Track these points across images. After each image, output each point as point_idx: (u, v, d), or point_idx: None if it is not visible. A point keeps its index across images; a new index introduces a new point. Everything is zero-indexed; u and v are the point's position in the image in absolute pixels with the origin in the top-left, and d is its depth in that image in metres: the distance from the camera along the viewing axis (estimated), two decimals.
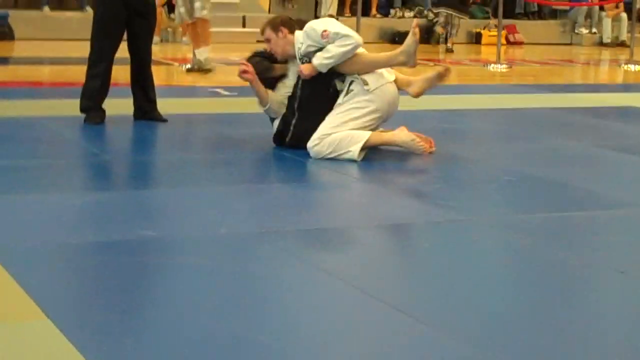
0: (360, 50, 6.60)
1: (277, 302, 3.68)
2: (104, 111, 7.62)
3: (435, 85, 6.77)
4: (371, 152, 6.58)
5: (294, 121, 6.61)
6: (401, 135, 6.60)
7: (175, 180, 5.89)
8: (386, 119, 6.70)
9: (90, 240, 4.36)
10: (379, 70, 6.64)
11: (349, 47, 6.46)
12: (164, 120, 7.70)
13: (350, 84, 6.54)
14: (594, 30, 19.61)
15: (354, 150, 6.38)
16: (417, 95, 6.79)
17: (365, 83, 6.50)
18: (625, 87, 12.77)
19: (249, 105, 7.47)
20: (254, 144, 6.91)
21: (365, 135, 6.43)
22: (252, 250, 4.32)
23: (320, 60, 6.47)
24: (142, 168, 6.33)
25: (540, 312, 3.67)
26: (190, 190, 5.50)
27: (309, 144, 6.43)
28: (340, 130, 6.43)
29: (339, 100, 6.54)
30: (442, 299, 3.75)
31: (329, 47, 6.46)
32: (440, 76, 6.72)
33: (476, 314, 3.60)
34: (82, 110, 7.62)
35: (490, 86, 11.64)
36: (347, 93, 6.53)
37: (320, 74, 6.52)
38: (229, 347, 3.17)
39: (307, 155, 6.44)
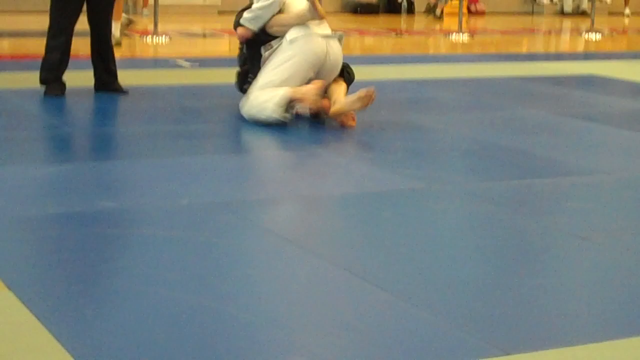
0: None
1: (241, 272, 3.66)
2: (64, 83, 7.55)
3: (356, 108, 6.64)
4: (331, 121, 6.57)
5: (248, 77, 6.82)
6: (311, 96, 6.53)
7: (136, 152, 5.85)
8: (320, 69, 6.67)
9: (51, 212, 4.32)
10: (307, 25, 6.70)
11: (266, 2, 6.64)
12: (125, 92, 7.65)
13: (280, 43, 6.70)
14: None
15: (272, 108, 6.43)
16: (332, 115, 6.70)
17: (285, 37, 6.66)
18: (587, 56, 12.82)
19: (211, 76, 7.43)
20: (215, 116, 6.88)
21: (281, 91, 6.47)
22: (215, 221, 4.29)
23: (244, 18, 6.71)
24: (103, 140, 6.27)
25: (503, 279, 3.68)
26: (151, 161, 5.46)
27: (240, 106, 6.54)
28: (265, 89, 6.52)
29: (263, 58, 6.71)
30: (404, 267, 3.75)
31: (253, 5, 6.71)
32: (361, 99, 6.61)
33: (438, 281, 3.60)
34: (41, 82, 7.54)
35: (451, 56, 11.64)
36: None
37: (259, 36, 6.69)
38: (193, 318, 3.16)
39: (270, 125, 6.42)
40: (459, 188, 5.05)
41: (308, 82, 6.60)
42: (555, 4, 19.53)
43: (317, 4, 6.70)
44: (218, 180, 5.10)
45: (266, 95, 6.50)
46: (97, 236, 4.03)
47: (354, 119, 6.63)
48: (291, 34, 6.66)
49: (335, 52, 6.75)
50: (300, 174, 5.45)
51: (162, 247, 3.90)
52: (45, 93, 7.47)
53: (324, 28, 6.80)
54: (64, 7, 7.50)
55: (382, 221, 4.46)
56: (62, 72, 7.55)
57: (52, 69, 7.53)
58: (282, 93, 6.46)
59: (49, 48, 7.58)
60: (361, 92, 6.50)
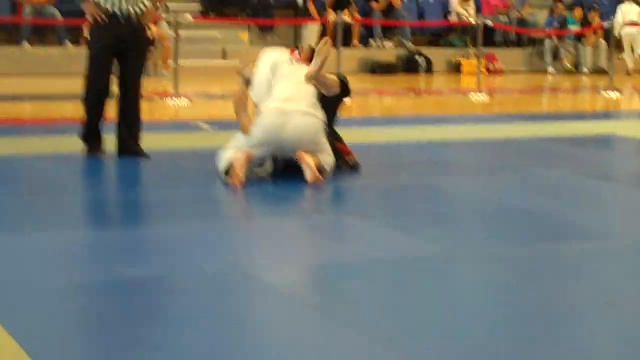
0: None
1: (264, 341, 3.67)
2: (104, 144, 7.73)
3: (322, 61, 6.88)
4: (351, 183, 6.61)
5: None
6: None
7: (158, 217, 5.90)
8: (278, 143, 6.77)
9: (75, 281, 4.35)
10: (276, 96, 6.95)
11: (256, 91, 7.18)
12: (147, 157, 7.71)
13: None
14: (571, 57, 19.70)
15: (219, 170, 6.79)
16: (310, 77, 6.94)
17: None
18: (606, 115, 12.85)
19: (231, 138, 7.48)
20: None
21: (228, 155, 6.79)
22: (237, 288, 4.31)
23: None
24: (126, 206, 6.31)
25: (525, 347, 3.67)
26: (173, 227, 5.49)
27: None
28: (228, 149, 6.88)
29: None
30: (424, 334, 3.75)
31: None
32: (320, 52, 6.87)
33: (459, 349, 3.59)
34: (84, 143, 7.72)
35: (470, 116, 11.69)
36: None
37: None
38: None
39: (291, 188, 6.48)
40: (479, 253, 5.06)
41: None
42: (573, 63, 19.55)
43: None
44: (240, 245, 5.13)
45: (223, 155, 6.86)
46: (121, 305, 4.05)
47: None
48: (264, 105, 6.93)
49: (296, 128, 6.78)
50: (319, 239, 5.47)
51: (185, 316, 3.92)
52: (86, 154, 7.62)
53: (300, 104, 6.87)
54: (99, 68, 7.62)
55: (402, 287, 4.46)
56: (100, 133, 7.72)
57: (92, 131, 7.70)
58: (227, 157, 6.79)
59: (86, 109, 7.74)
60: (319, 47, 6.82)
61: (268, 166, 6.98)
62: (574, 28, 19.02)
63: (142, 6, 7.72)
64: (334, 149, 7.06)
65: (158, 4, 8.16)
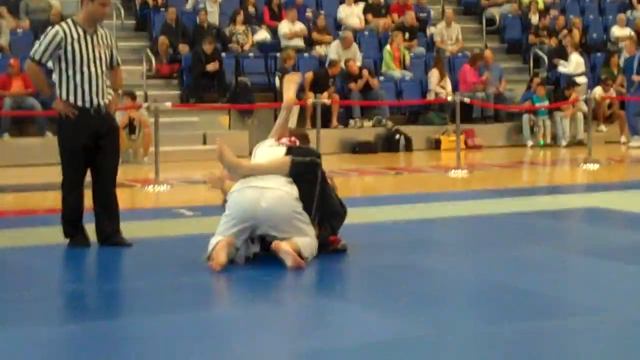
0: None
1: None
2: (87, 235, 7.72)
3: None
4: (333, 265, 6.58)
5: None
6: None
7: (141, 308, 5.84)
8: (255, 219, 6.79)
9: None
10: (251, 176, 7.01)
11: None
12: (129, 245, 7.68)
13: None
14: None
15: (205, 256, 6.80)
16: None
17: None
18: (586, 188, 12.88)
19: (212, 225, 7.46)
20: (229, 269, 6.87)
21: (214, 241, 6.82)
22: None
23: None
24: (107, 297, 6.24)
25: None
26: (158, 318, 5.44)
27: None
28: (216, 236, 6.90)
29: None
30: None
31: None
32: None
33: None
34: (66, 235, 7.70)
35: (451, 193, 11.70)
36: None
37: None
38: None
39: (274, 272, 6.45)
40: (464, 333, 5.02)
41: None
42: (550, 136, 19.64)
43: None
44: (225, 335, 5.07)
45: (210, 242, 6.87)
46: None
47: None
48: (233, 188, 7.01)
49: (269, 201, 6.80)
50: (302, 325, 5.41)
51: None
52: (71, 245, 7.64)
53: (272, 182, 6.91)
54: (75, 160, 7.63)
55: None
56: (82, 224, 7.71)
57: (74, 223, 7.69)
58: (212, 243, 6.84)
59: (66, 202, 7.75)
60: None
61: (253, 248, 6.94)
62: (542, 104, 19.14)
63: (108, 97, 7.79)
64: (324, 240, 7.04)
65: (120, 91, 8.20)
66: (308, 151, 7.30)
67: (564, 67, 20.72)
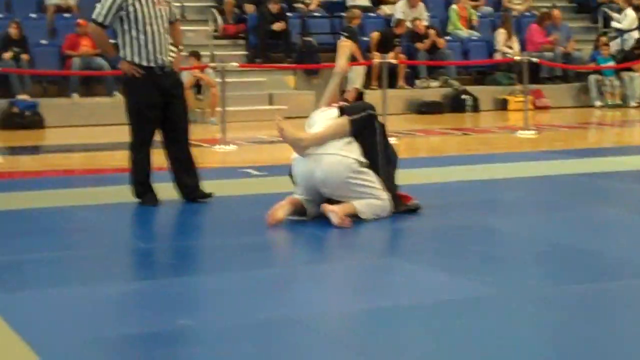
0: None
1: None
2: (155, 193, 7.80)
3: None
4: (401, 224, 6.59)
5: None
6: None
7: (208, 266, 5.91)
8: (314, 186, 6.89)
9: (125, 333, 4.35)
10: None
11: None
12: (210, 195, 7.90)
13: None
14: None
15: None
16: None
17: None
18: None
19: (280, 184, 7.49)
20: (284, 225, 6.90)
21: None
22: (290, 338, 4.28)
23: None
24: (175, 255, 6.30)
25: None
26: (224, 276, 5.49)
27: None
28: None
29: None
30: None
31: None
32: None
33: None
34: (137, 196, 7.79)
35: (519, 154, 11.61)
36: None
37: None
38: None
39: (336, 231, 6.48)
40: (532, 294, 4.99)
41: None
42: (620, 96, 19.37)
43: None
44: (291, 293, 5.10)
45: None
46: (171, 357, 4.03)
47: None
48: (293, 154, 7.10)
49: (324, 170, 6.85)
50: (370, 284, 5.42)
51: None
52: (142, 204, 7.71)
53: (326, 147, 6.93)
54: (144, 121, 7.70)
55: (454, 331, 4.41)
56: (150, 183, 7.81)
57: (144, 182, 7.76)
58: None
59: (135, 162, 7.80)
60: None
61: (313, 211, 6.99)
62: (607, 64, 18.86)
63: (172, 54, 7.84)
64: (394, 197, 7.05)
65: (181, 47, 8.24)
66: (360, 106, 7.31)
67: (617, 23, 20.38)
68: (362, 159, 6.93)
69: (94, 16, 7.83)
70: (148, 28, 7.69)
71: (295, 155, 7.08)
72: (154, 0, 7.74)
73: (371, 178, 6.95)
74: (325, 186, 6.88)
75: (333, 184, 6.86)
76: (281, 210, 6.82)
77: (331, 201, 6.91)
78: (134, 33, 7.68)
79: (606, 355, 4.05)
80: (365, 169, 6.94)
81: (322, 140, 7.02)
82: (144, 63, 7.71)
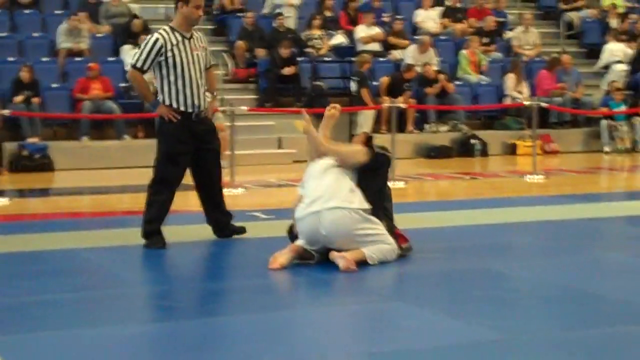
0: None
1: None
2: (163, 237, 7.82)
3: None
4: (405, 268, 6.59)
5: None
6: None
7: (217, 309, 5.89)
8: (321, 241, 6.91)
9: None
10: (305, 199, 7.11)
11: None
12: (243, 230, 8.17)
13: None
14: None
15: None
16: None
17: None
18: None
19: (285, 228, 7.49)
20: (293, 269, 6.89)
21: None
22: None
23: None
24: (183, 299, 6.28)
25: None
26: (233, 319, 5.48)
27: None
28: None
29: None
30: None
31: None
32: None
33: None
34: (145, 236, 7.80)
35: (528, 198, 11.60)
36: None
37: None
38: None
39: (342, 275, 6.48)
40: (540, 338, 4.97)
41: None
42: (630, 141, 19.37)
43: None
44: (296, 336, 5.09)
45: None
46: None
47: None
48: (297, 213, 7.10)
49: (328, 226, 6.86)
50: (374, 327, 5.40)
51: None
52: (148, 246, 7.72)
53: (329, 201, 6.93)
54: (173, 164, 7.77)
55: None
56: (161, 225, 7.86)
57: (155, 222, 7.80)
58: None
59: (152, 202, 7.87)
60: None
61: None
62: (620, 109, 18.89)
63: (207, 99, 7.93)
64: (392, 234, 7.06)
65: (216, 93, 8.34)
66: (377, 146, 7.41)
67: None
68: (366, 206, 6.94)
69: (132, 61, 7.91)
70: (186, 74, 7.79)
71: (297, 214, 7.07)
72: (192, 46, 7.82)
73: (377, 225, 6.96)
74: (332, 243, 6.91)
75: (339, 238, 6.89)
76: (283, 257, 6.85)
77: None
78: (172, 78, 7.78)
79: None
80: (370, 217, 6.95)
81: (338, 155, 7.20)
82: (182, 108, 7.79)
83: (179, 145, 7.83)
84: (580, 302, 5.86)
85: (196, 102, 7.84)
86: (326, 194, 6.98)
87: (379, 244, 6.89)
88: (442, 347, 4.83)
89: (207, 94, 8.06)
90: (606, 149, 18.83)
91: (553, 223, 9.32)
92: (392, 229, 7.12)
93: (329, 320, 5.55)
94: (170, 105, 7.80)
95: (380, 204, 7.10)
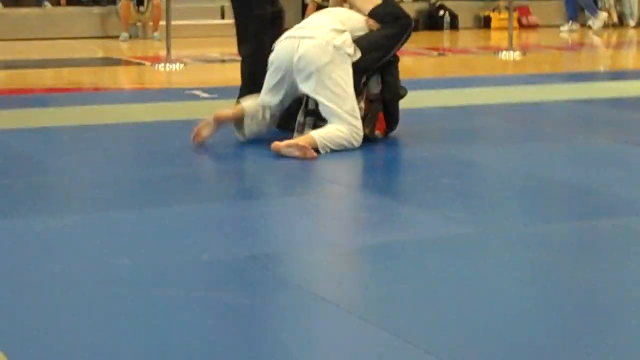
0: None
1: (271, 335, 3.66)
2: None
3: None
4: (370, 154, 6.61)
5: None
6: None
7: (147, 200, 5.86)
8: (285, 71, 6.96)
9: (56, 271, 4.34)
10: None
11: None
12: None
13: None
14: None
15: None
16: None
17: None
18: None
19: (231, 108, 7.46)
20: (232, 153, 6.90)
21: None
22: (240, 278, 4.30)
23: None
24: (105, 188, 6.22)
25: (567, 340, 3.64)
26: (162, 210, 5.47)
27: None
28: None
29: None
30: (452, 327, 3.72)
31: None
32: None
33: (492, 343, 3.57)
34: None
35: (502, 77, 11.64)
36: None
37: None
38: None
39: (298, 163, 6.48)
40: (513, 233, 5.03)
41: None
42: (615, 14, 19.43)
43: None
44: (239, 230, 5.10)
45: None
46: (109, 298, 4.03)
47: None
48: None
49: (303, 51, 6.89)
50: (333, 220, 5.44)
51: (184, 310, 3.90)
52: None
53: (314, 31, 7.00)
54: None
55: (426, 273, 4.43)
56: None
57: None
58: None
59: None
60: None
61: (268, 117, 7.03)
62: None
63: None
64: (373, 115, 7.09)
65: None
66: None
67: None
68: (351, 51, 6.95)
69: None
70: None
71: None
72: None
73: (347, 81, 6.94)
74: (296, 76, 6.90)
75: (312, 64, 6.85)
76: (204, 129, 6.97)
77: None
78: None
79: (602, 299, 4.09)
80: (347, 63, 6.95)
81: None
82: None
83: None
84: (558, 193, 5.92)
85: None
86: (311, 25, 7.11)
87: (336, 123, 6.82)
88: (410, 240, 4.86)
89: None
90: (590, 22, 18.87)
91: (529, 105, 9.37)
92: (375, 113, 7.12)
93: (292, 211, 5.53)
94: None
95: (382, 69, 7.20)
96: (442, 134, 7.70)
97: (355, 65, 6.93)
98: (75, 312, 3.89)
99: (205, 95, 9.70)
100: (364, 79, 7.06)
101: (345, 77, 6.87)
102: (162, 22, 14.92)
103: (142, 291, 4.14)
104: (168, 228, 5.10)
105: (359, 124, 6.88)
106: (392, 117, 7.28)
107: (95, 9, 16.28)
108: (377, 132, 7.18)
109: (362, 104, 7.02)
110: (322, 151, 6.70)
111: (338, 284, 4.32)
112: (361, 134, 6.87)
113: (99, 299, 4.02)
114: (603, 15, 18.39)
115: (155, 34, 15.67)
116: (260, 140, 6.96)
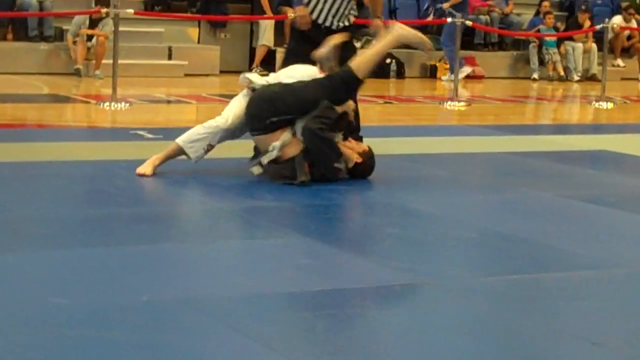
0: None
1: None
2: None
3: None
4: (314, 200, 6.61)
5: None
6: None
7: (89, 239, 5.81)
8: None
9: None
10: None
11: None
12: None
13: None
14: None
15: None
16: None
17: None
18: (597, 128, 12.92)
19: None
20: (178, 196, 6.88)
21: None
22: (178, 321, 4.28)
23: None
24: (50, 226, 6.18)
25: None
26: (105, 250, 5.44)
27: None
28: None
29: None
30: None
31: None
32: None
33: None
34: None
35: (446, 127, 11.71)
36: None
37: None
38: None
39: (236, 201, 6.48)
40: (456, 283, 5.05)
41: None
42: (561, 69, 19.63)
43: None
44: (180, 272, 5.08)
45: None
46: (47, 338, 4.00)
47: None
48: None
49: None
50: (273, 265, 5.42)
51: (120, 351, 3.87)
52: None
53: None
54: None
55: (367, 322, 4.44)
56: None
57: None
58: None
59: None
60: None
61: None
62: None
63: None
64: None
65: None
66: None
67: None
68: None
69: None
70: None
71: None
72: None
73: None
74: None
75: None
76: (150, 167, 7.34)
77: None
78: None
79: (541, 350, 4.12)
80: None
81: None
82: None
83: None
84: (501, 246, 5.95)
85: None
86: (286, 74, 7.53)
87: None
88: (351, 289, 4.86)
89: None
90: (535, 75, 19.06)
91: (473, 156, 9.44)
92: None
93: (216, 256, 5.53)
94: None
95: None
96: (387, 182, 7.72)
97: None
98: (5, 352, 3.85)
99: (150, 135, 9.66)
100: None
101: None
102: (105, 61, 14.89)
103: (79, 331, 4.11)
104: (107, 268, 5.07)
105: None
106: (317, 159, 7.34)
107: (42, 45, 16.22)
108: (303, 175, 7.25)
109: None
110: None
111: (275, 330, 4.30)
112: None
113: (33, 339, 3.99)
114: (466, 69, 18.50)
115: (97, 72, 15.60)
116: (204, 183, 6.95)
